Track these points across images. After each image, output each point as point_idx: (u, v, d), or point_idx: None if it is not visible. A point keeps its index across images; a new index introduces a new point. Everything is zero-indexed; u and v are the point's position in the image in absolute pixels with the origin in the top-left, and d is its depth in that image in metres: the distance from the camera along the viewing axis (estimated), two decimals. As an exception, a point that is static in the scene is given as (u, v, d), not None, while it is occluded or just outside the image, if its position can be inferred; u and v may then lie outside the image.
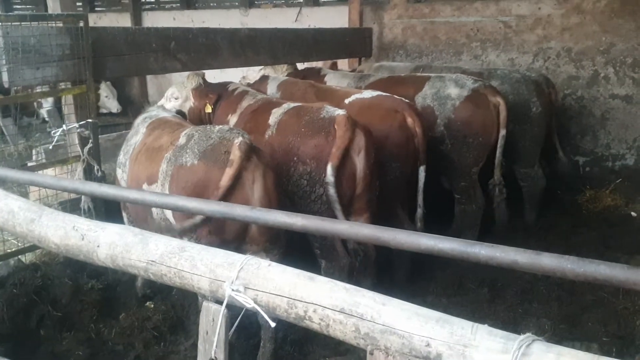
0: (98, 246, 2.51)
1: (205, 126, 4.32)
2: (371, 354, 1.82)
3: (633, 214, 6.90)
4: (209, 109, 5.62)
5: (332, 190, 4.32)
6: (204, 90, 5.75)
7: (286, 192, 4.58)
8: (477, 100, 5.75)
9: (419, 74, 6.71)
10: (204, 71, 6.13)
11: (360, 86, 6.49)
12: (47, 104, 10.10)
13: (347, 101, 5.30)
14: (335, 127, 4.37)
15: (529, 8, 8.32)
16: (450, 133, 5.78)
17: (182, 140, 4.05)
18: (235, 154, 3.73)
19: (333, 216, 4.37)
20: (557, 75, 8.22)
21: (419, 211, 5.20)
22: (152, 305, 4.88)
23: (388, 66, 7.75)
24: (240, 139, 3.82)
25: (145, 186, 4.29)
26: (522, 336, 1.65)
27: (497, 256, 1.78)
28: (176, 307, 4.85)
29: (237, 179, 3.76)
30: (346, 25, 9.28)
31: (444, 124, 5.79)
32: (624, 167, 8.00)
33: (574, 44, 8.08)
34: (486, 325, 1.72)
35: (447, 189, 6.18)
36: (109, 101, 11.83)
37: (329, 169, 4.31)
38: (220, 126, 4.16)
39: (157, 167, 4.13)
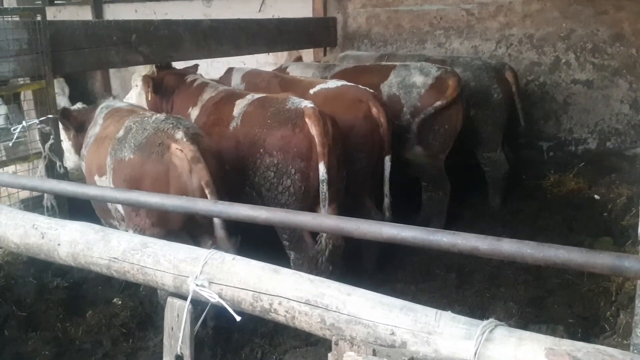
0: (59, 244, 2.47)
1: (143, 116, 4.27)
2: (336, 344, 1.82)
3: (596, 196, 7.03)
4: (148, 97, 5.56)
5: (325, 188, 4.35)
6: (147, 76, 5.68)
7: (253, 184, 4.57)
8: (442, 87, 5.79)
9: (384, 63, 6.71)
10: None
11: (325, 76, 6.48)
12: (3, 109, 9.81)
13: (311, 91, 5.29)
14: (307, 121, 4.37)
15: (491, -5, 8.38)
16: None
17: (121, 132, 4.09)
18: (192, 149, 3.79)
19: (301, 208, 4.39)
20: (520, 61, 8.30)
21: (386, 201, 5.22)
22: (120, 302, 4.81)
23: (353, 55, 7.75)
24: (181, 133, 3.85)
25: (96, 178, 4.34)
26: (484, 322, 1.67)
27: (458, 243, 1.80)
28: (144, 303, 4.79)
29: (173, 169, 3.82)
30: (310, 15, 9.24)
31: (410, 112, 5.81)
32: (587, 151, 8.13)
33: (535, 31, 8.17)
34: (449, 312, 1.74)
35: (414, 177, 6.23)
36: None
37: (322, 168, 4.32)
38: (157, 116, 4.15)
39: (104, 160, 4.18)
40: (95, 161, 4.36)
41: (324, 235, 4.50)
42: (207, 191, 3.78)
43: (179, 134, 3.84)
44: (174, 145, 3.80)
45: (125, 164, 3.92)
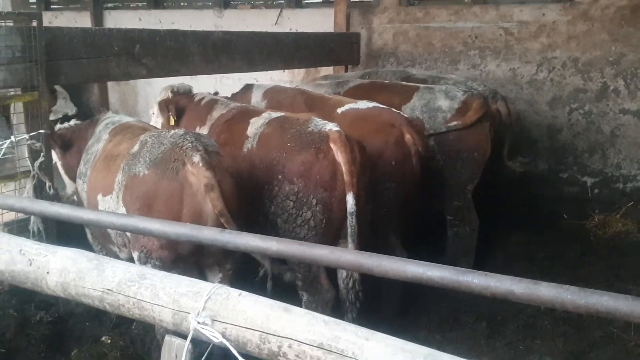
0: (47, 272, 2.48)
1: (160, 131, 4.41)
2: (352, 395, 1.82)
3: (646, 241, 7.00)
4: (171, 122, 5.66)
5: (354, 221, 4.34)
6: (163, 102, 5.79)
7: (267, 214, 4.57)
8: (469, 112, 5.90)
9: (405, 83, 6.81)
10: (188, 85, 6.19)
11: (338, 92, 6.67)
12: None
13: (339, 111, 5.35)
14: (332, 146, 4.36)
15: (532, 14, 8.46)
16: (441, 148, 5.86)
17: (136, 147, 4.18)
18: (207, 175, 3.82)
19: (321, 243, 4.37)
20: (563, 87, 8.35)
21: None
22: (109, 340, 4.82)
23: (334, 77, 7.94)
24: (198, 157, 3.89)
25: (100, 197, 4.40)
26: (518, 375, 1.67)
27: (491, 285, 1.80)
28: (136, 342, 4.80)
29: (188, 187, 3.88)
30: (331, 30, 9.36)
31: (433, 138, 5.87)
32: (636, 189, 8.10)
33: (581, 54, 8.22)
34: (479, 362, 1.74)
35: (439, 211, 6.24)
36: (66, 103, 11.69)
37: (350, 200, 4.31)
38: (174, 130, 4.23)
39: (113, 177, 4.24)
40: (102, 179, 4.43)
41: (350, 277, 4.51)
42: (222, 220, 3.85)
43: (196, 157, 3.89)
44: (189, 167, 3.87)
45: (140, 179, 4.00)
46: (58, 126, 5.48)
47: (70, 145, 5.35)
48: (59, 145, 5.34)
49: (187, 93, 5.98)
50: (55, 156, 5.51)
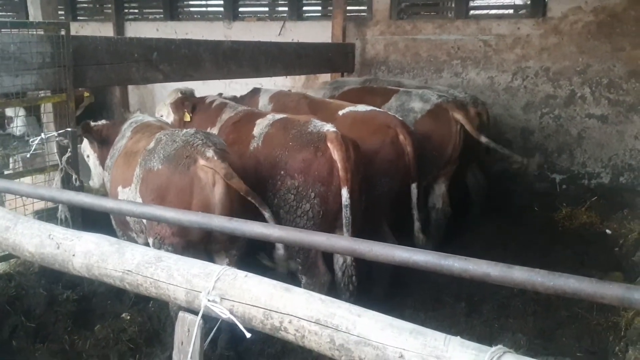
0: (73, 255, 2.49)
1: (173, 130, 4.41)
2: (344, 365, 1.82)
3: (608, 231, 6.99)
4: (187, 118, 5.66)
5: (348, 213, 4.35)
6: (179, 100, 5.78)
7: (271, 206, 4.57)
8: (438, 114, 5.91)
9: (389, 87, 6.85)
10: (191, 88, 6.17)
11: (334, 95, 6.75)
12: (22, 112, 9.98)
13: (340, 113, 5.37)
14: (329, 145, 4.37)
15: (508, 28, 8.45)
16: None
17: (152, 144, 4.19)
18: (224, 166, 3.85)
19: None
20: (535, 94, 8.35)
21: (417, 224, 5.28)
22: (128, 317, 4.82)
23: (342, 81, 7.99)
24: (212, 152, 3.90)
25: (120, 189, 4.41)
26: (493, 348, 1.67)
27: (470, 269, 1.81)
28: (153, 319, 4.79)
29: (197, 181, 3.89)
30: (329, 41, 9.34)
31: None
32: (600, 185, 8.12)
33: (552, 64, 8.22)
34: (458, 337, 1.74)
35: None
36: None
37: (345, 194, 4.32)
38: (186, 130, 4.23)
39: (132, 171, 4.25)
40: (122, 173, 4.45)
41: (344, 263, 4.51)
42: (249, 197, 3.88)
43: (210, 152, 3.89)
44: (201, 161, 3.87)
45: (154, 174, 4.01)
46: (93, 124, 5.47)
47: (104, 140, 5.36)
48: (96, 140, 5.37)
49: (192, 95, 5.97)
50: (91, 150, 5.51)
